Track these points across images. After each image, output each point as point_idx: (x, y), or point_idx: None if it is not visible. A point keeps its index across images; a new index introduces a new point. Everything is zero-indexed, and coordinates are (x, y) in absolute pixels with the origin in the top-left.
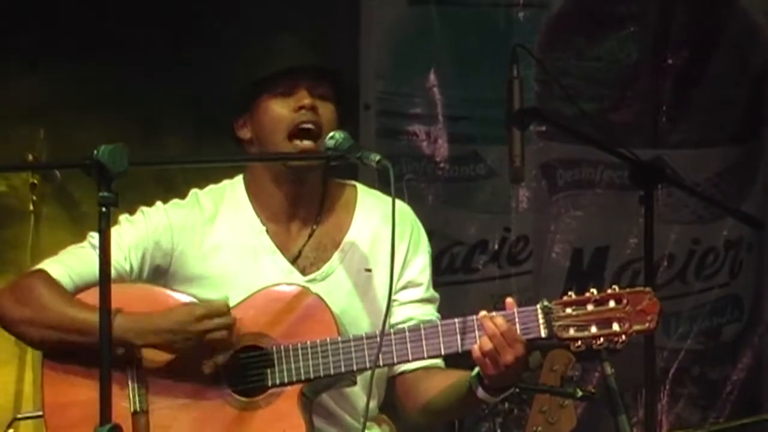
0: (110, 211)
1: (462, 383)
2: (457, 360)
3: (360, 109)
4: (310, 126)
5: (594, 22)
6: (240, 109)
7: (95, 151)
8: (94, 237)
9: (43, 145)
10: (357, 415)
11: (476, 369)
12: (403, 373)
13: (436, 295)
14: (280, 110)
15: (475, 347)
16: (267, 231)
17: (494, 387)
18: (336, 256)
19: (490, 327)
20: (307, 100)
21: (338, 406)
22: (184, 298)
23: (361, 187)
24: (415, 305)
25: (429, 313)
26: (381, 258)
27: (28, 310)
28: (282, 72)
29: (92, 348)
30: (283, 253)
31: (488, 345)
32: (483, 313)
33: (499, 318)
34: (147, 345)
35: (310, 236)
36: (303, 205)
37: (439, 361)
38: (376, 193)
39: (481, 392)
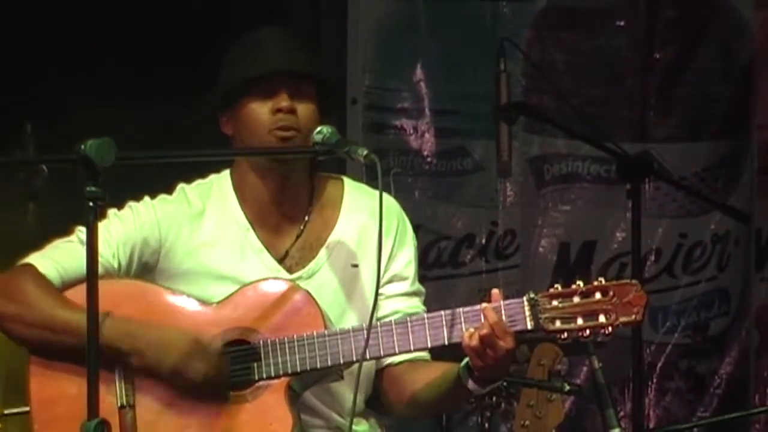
0: (97, 205)
1: (450, 374)
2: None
3: (347, 103)
4: (287, 132)
5: (581, 16)
6: (226, 105)
7: (82, 146)
8: (82, 231)
9: (31, 141)
10: (343, 413)
11: (465, 360)
12: (388, 365)
13: (422, 288)
14: (259, 111)
15: (466, 337)
16: (254, 229)
17: (483, 378)
18: (322, 253)
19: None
20: (285, 103)
21: (324, 404)
22: (173, 297)
23: (348, 182)
24: (401, 298)
25: (415, 306)
26: (368, 253)
27: (16, 306)
28: (262, 75)
29: (79, 349)
30: (269, 252)
31: (476, 338)
32: (484, 305)
33: (490, 310)
34: (134, 352)
35: (298, 236)
36: (289, 202)
37: (424, 354)
38: (364, 187)
39: (470, 383)
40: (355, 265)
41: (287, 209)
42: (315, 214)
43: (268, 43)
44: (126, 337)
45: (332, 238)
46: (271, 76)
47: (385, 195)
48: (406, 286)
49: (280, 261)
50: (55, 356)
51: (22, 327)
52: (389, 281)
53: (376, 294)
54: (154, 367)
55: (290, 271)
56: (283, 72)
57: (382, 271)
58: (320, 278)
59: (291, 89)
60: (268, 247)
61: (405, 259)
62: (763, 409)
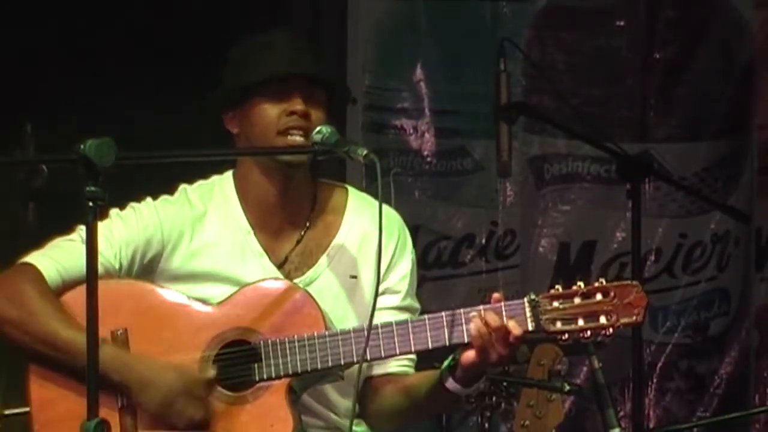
0: (97, 205)
1: (430, 377)
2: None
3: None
4: (297, 134)
5: (581, 16)
6: (231, 102)
7: (82, 146)
8: (83, 230)
9: (31, 141)
10: (340, 414)
11: (448, 361)
12: (370, 377)
13: (417, 305)
14: (270, 112)
15: (473, 329)
16: (255, 233)
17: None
18: (323, 260)
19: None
20: (300, 107)
21: (322, 405)
22: (174, 296)
23: (351, 190)
24: (391, 312)
25: None
26: (368, 260)
27: (16, 311)
28: (277, 76)
29: (76, 369)
30: (269, 257)
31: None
32: (481, 307)
33: (490, 313)
34: (124, 384)
35: (298, 242)
36: (292, 205)
37: (409, 369)
38: (366, 197)
39: (453, 384)
40: (354, 277)
41: (289, 213)
42: (317, 220)
43: (284, 44)
44: (119, 368)
45: (333, 244)
46: (286, 79)
47: (387, 206)
48: (397, 299)
49: (280, 266)
50: (51, 368)
51: (18, 333)
52: (382, 293)
53: (376, 292)
54: (140, 403)
55: (289, 277)
56: (300, 75)
57: (381, 275)
58: (319, 286)
59: (305, 93)
60: (268, 252)
61: (401, 272)
62: (763, 409)
